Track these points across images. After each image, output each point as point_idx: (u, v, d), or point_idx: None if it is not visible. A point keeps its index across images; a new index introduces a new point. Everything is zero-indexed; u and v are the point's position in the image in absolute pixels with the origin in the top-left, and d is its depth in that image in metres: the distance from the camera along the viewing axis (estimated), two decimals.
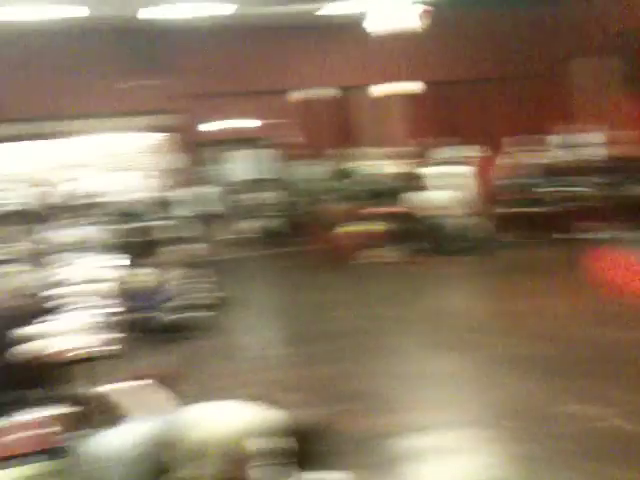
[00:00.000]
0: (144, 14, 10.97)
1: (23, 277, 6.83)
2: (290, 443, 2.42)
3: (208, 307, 8.05)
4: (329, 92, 13.84)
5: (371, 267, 10.29)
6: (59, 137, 12.41)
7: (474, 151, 11.77)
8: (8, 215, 10.26)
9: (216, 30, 12.25)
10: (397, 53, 12.86)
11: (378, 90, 12.12)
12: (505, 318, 7.32)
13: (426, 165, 11.90)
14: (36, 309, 5.63)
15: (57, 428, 3.43)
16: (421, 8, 10.19)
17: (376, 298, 8.86)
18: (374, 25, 9.69)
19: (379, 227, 10.83)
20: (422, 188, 11.23)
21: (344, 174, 12.36)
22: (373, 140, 13.82)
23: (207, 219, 13.28)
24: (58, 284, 6.79)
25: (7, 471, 3.34)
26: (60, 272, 7.36)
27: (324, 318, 7.96)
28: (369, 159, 12.74)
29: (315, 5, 11.19)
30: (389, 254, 10.46)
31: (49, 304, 5.84)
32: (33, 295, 6.29)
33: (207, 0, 10.52)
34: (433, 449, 4.28)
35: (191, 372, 6.05)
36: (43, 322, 5.16)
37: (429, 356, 6.33)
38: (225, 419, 2.34)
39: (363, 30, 10.64)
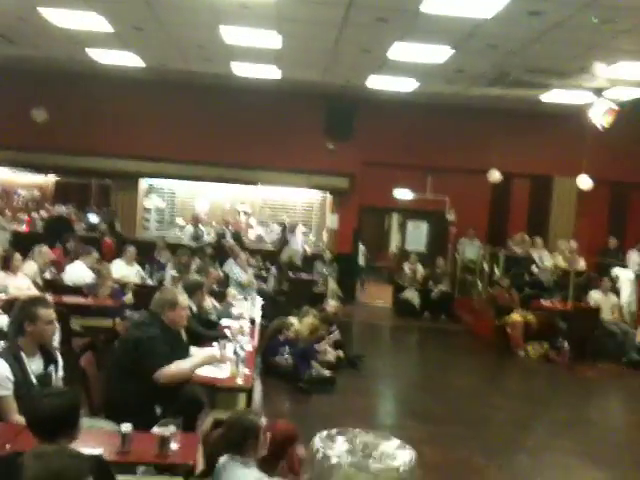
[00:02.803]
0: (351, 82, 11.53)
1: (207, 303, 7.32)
2: None
3: (340, 366, 8.20)
4: (525, 177, 13.61)
5: (529, 361, 9.91)
6: (243, 183, 13.53)
7: None
8: (198, 248, 11.23)
9: (414, 104, 12.69)
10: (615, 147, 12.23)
11: (581, 183, 11.45)
12: None
13: (612, 266, 11.31)
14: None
15: (195, 447, 3.62)
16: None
17: (517, 393, 8.54)
18: (597, 117, 9.31)
19: (551, 321, 10.33)
20: (606, 289, 10.55)
21: (519, 260, 12.01)
22: (561, 232, 13.36)
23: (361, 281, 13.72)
24: (228, 315, 7.30)
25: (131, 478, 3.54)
26: (234, 305, 7.92)
27: (451, 401, 7.74)
28: (551, 250, 12.33)
29: (539, 91, 10.92)
30: (552, 351, 9.93)
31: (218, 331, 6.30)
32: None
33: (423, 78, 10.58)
34: None
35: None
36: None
37: (574, 465, 5.98)
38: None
39: (577, 121, 10.23)
